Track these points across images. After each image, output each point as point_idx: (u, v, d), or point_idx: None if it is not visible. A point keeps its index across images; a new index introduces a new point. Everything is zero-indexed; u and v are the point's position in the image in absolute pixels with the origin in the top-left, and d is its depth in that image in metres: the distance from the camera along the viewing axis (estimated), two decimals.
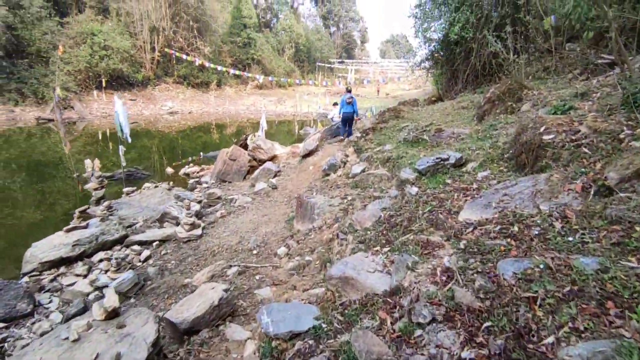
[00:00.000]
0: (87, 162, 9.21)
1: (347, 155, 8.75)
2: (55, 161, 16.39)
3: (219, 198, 8.57)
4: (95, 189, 8.80)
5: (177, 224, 7.26)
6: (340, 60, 51.78)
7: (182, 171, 13.01)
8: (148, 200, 8.80)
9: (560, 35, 10.26)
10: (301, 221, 6.41)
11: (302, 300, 3.81)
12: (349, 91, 13.62)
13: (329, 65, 48.61)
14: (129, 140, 10.36)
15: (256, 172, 9.98)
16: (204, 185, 10.80)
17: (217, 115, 33.78)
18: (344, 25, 56.64)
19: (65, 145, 12.05)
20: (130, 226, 8.02)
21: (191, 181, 11.49)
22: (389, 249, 3.74)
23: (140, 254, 6.40)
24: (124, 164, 10.48)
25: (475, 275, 2.74)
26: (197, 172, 12.78)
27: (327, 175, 8.54)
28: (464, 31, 12.32)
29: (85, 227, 6.81)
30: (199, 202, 8.64)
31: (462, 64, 13.83)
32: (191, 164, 13.63)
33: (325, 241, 5.32)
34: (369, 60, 55.50)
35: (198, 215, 7.77)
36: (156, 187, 9.75)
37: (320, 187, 7.94)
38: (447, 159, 5.34)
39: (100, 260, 6.23)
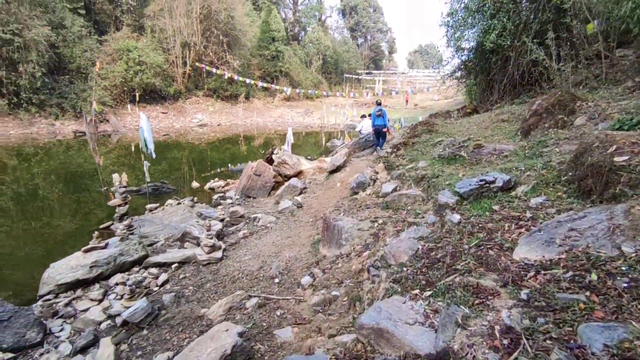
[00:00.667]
0: (115, 176, 9.11)
1: (376, 172, 8.17)
2: (90, 172, 16.62)
3: (242, 217, 8.17)
4: (119, 205, 8.61)
5: (198, 244, 6.89)
6: (367, 71, 51.35)
7: (207, 185, 12.79)
8: (170, 218, 8.51)
9: (610, 41, 9.39)
10: (327, 246, 5.88)
11: (327, 349, 3.26)
12: (379, 104, 13.23)
13: (357, 77, 48.24)
14: (153, 156, 10.19)
15: (281, 188, 9.56)
16: (228, 201, 10.47)
17: (245, 127, 33.95)
18: (371, 37, 56.32)
19: (97, 158, 12.05)
20: (151, 245, 7.73)
21: (215, 196, 11.20)
22: (430, 292, 3.15)
23: (157, 278, 6.03)
24: (148, 179, 10.32)
25: (549, 342, 2.13)
26: (222, 187, 12.52)
27: (356, 193, 7.98)
28: (501, 39, 11.56)
29: (104, 247, 6.53)
30: (222, 220, 8.27)
31: (498, 73, 13.02)
32: (216, 179, 13.40)
33: (354, 272, 4.76)
34: (396, 71, 54.79)
35: (219, 235, 7.37)
36: (179, 203, 9.48)
37: (348, 207, 7.39)
38: (493, 182, 4.69)
39: (117, 284, 5.90)
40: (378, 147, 13.34)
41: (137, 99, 30.71)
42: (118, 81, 30.16)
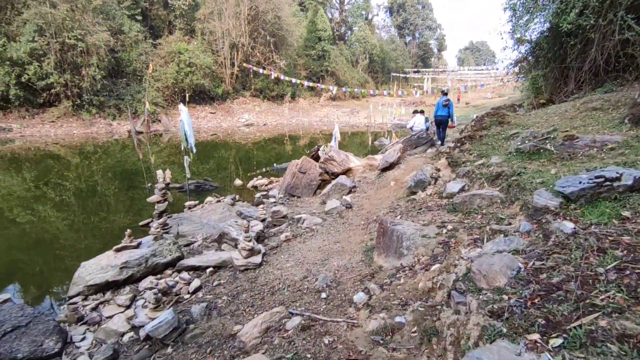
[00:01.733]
0: (159, 172, 8.63)
1: (438, 170, 7.01)
2: (143, 170, 16.71)
3: (284, 217, 7.33)
4: (158, 202, 8.07)
5: (236, 246, 6.11)
6: (415, 69, 49.33)
7: (250, 184, 12.16)
8: (209, 216, 7.85)
9: None
10: (384, 254, 4.85)
11: None
12: (445, 94, 12.06)
13: (404, 75, 46.45)
14: (194, 150, 9.65)
15: (328, 187, 8.62)
16: (271, 200, 9.70)
17: (291, 127, 33.50)
18: (420, 34, 54.06)
19: (140, 153, 11.80)
20: (187, 245, 7.09)
21: (258, 195, 10.49)
22: (561, 341, 2.07)
23: (189, 284, 5.30)
24: (188, 175, 9.79)
25: None
26: (266, 185, 11.81)
27: (414, 193, 6.87)
28: (582, 18, 9.88)
29: (137, 246, 5.93)
30: (263, 220, 7.48)
31: (576, 59, 11.28)
32: (259, 177, 12.73)
33: (422, 292, 3.71)
34: (446, 69, 52.25)
35: (260, 237, 6.56)
36: (218, 201, 8.83)
37: (405, 209, 6.31)
38: (617, 179, 3.45)
39: (147, 289, 5.24)
40: (439, 142, 12.06)
41: (187, 99, 31.19)
42: (170, 82, 30.79)
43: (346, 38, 50.70)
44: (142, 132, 27.17)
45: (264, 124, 33.38)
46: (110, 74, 29.55)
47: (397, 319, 3.35)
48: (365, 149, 23.93)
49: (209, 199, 9.34)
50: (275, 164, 15.80)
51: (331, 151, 9.54)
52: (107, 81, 28.70)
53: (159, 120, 29.80)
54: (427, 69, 48.63)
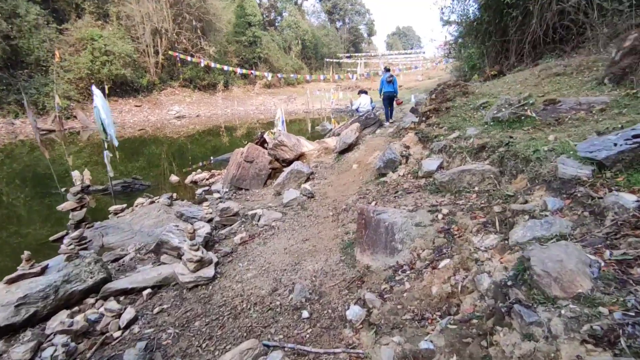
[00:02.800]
0: (75, 174, 6.92)
1: (407, 147, 6.21)
2: (60, 174, 14.12)
3: (236, 214, 6.09)
4: (73, 210, 6.40)
5: (180, 256, 4.81)
6: (348, 54, 49.08)
7: (188, 179, 10.59)
8: (141, 222, 6.36)
9: None
10: (369, 251, 3.92)
11: None
12: (388, 70, 12.15)
13: (337, 60, 46.01)
14: (115, 143, 7.98)
15: (281, 176, 7.49)
16: (216, 195, 8.35)
17: (226, 117, 31.42)
18: (349, 19, 53.80)
19: (45, 151, 9.73)
20: (116, 260, 5.61)
21: (199, 191, 9.05)
22: None
23: (120, 315, 3.95)
24: (111, 174, 8.08)
25: None
26: (207, 179, 10.35)
27: (383, 175, 6.01)
28: None
29: (40, 273, 4.37)
30: (210, 220, 6.19)
31: (516, 32, 11.17)
32: (199, 170, 11.17)
33: (440, 299, 2.83)
34: (377, 53, 52.74)
35: (209, 242, 5.31)
36: (152, 202, 7.30)
37: (378, 194, 5.43)
38: None
39: (55, 333, 3.80)
40: (386, 121, 11.90)
41: (107, 91, 27.76)
42: (84, 73, 27.08)
43: (277, 24, 48.87)
44: (53, 131, 23.65)
45: (197, 116, 30.92)
46: (7, 65, 25.22)
47: (423, 344, 2.41)
48: (305, 136, 22.95)
49: (139, 200, 7.72)
50: (212, 157, 14.19)
51: (280, 135, 8.38)
52: (4, 73, 24.46)
53: (75, 117, 26.20)
54: (359, 54, 48.64)
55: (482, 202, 3.91)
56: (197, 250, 4.44)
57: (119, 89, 29.93)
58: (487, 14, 11.80)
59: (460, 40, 24.03)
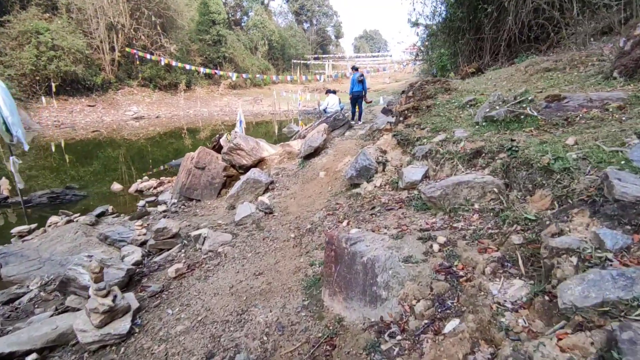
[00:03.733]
0: None
1: (384, 152, 5.19)
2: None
3: (175, 236, 4.83)
4: None
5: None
6: (315, 56, 48.11)
7: (132, 188, 9.11)
8: (52, 247, 4.97)
9: None
10: (342, 295, 2.84)
11: None
12: (357, 69, 11.60)
13: (305, 62, 44.96)
14: (25, 147, 6.49)
15: (236, 185, 6.26)
16: (160, 208, 7.00)
17: (189, 118, 29.54)
18: (317, 21, 52.78)
19: None
20: (10, 302, 4.22)
21: (141, 202, 7.65)
22: None
23: None
24: (20, 185, 6.55)
25: None
26: (154, 188, 8.94)
27: (356, 186, 4.96)
28: None
29: None
30: (143, 244, 4.90)
31: (490, 29, 10.52)
32: (145, 177, 9.69)
33: None
34: (345, 55, 52.11)
35: (133, 278, 4.04)
36: (70, 221, 5.85)
37: (351, 210, 4.36)
38: None
39: None
40: (355, 122, 11.56)
41: (54, 89, 25.34)
42: (27, 69, 24.49)
43: (243, 24, 47.15)
44: None
45: (157, 117, 28.87)
46: None
47: None
48: (272, 138, 21.78)
49: (53, 219, 6.19)
50: (173, 160, 12.72)
51: (236, 138, 7.13)
52: None
53: None
54: (327, 56, 47.79)
55: (490, 226, 2.92)
56: (106, 295, 3.19)
57: (69, 87, 27.44)
58: (460, 11, 11.10)
59: (427, 42, 23.59)
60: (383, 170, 4.92)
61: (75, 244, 4.83)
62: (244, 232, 4.70)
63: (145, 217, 6.75)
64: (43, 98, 25.29)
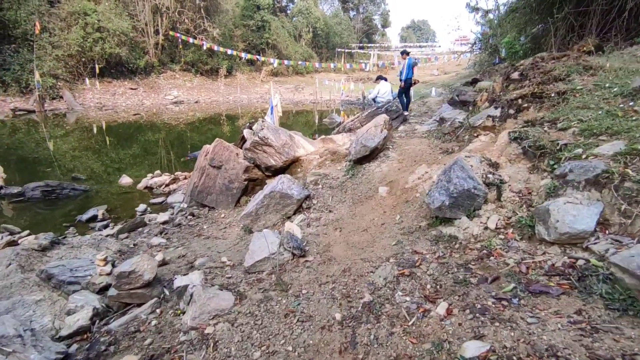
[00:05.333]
0: None
1: (494, 166, 3.01)
2: (48, 159, 11.07)
3: (148, 285, 2.96)
4: None
5: None
6: (360, 45, 45.35)
7: (142, 183, 7.45)
8: None
9: None
10: None
11: None
12: (408, 54, 10.37)
13: (349, 51, 42.41)
14: None
15: (256, 199, 4.29)
16: (160, 218, 5.23)
17: (228, 105, 28.19)
18: (364, 9, 49.67)
19: None
20: None
21: (141, 208, 5.92)
22: None
23: None
24: None
25: None
26: (166, 185, 7.25)
27: (448, 221, 2.82)
28: None
29: None
30: (104, 289, 3.10)
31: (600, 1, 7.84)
32: (157, 171, 8.00)
33: None
34: (390, 46, 48.92)
35: None
36: (12, 243, 4.06)
37: (445, 273, 2.25)
38: None
39: None
40: (405, 111, 9.98)
41: (97, 71, 24.73)
42: (74, 50, 23.97)
43: (288, 10, 45.20)
44: (33, 111, 20.69)
45: (196, 102, 27.72)
46: None
47: None
48: (312, 129, 19.83)
49: None
50: (189, 152, 11.04)
51: (263, 129, 5.16)
52: None
53: (61, 97, 23.20)
54: (372, 45, 44.87)
55: None
56: None
57: (114, 69, 26.87)
58: None
59: (490, 27, 20.57)
60: (497, 198, 2.77)
61: (5, 283, 3.11)
62: (255, 291, 2.73)
63: (141, 228, 5.02)
64: (87, 79, 24.76)
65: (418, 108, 13.88)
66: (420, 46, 47.77)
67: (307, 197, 4.09)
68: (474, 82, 9.35)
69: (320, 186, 4.37)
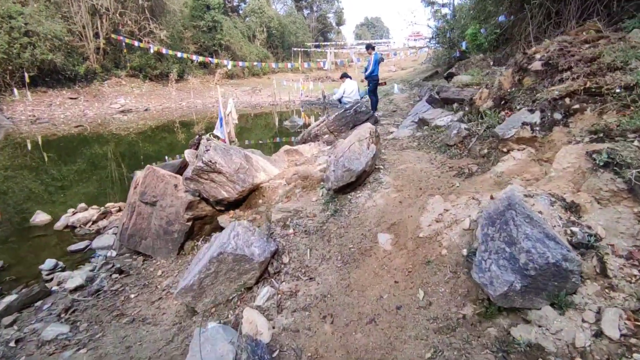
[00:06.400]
0: None
1: (572, 208, 1.82)
2: None
3: None
4: None
5: None
6: (317, 44, 44.12)
7: (60, 222, 5.71)
8: None
9: None
10: None
11: None
12: (373, 48, 9.39)
13: (305, 50, 41.12)
14: None
15: (199, 266, 2.84)
16: (71, 283, 3.70)
17: (182, 111, 25.94)
18: (318, 7, 48.38)
19: None
20: None
21: (47, 264, 4.29)
22: None
23: None
24: None
25: None
26: (94, 223, 5.58)
27: (514, 312, 1.63)
28: None
29: None
30: None
31: None
32: (82, 206, 6.21)
33: None
34: (346, 43, 48.09)
35: None
36: None
37: None
38: None
39: None
40: (374, 112, 8.96)
41: (28, 80, 21.74)
42: None
43: (240, 10, 43.05)
44: None
45: (146, 110, 25.23)
46: None
47: None
48: (272, 131, 18.35)
49: None
50: (136, 171, 9.23)
51: (210, 151, 3.72)
52: None
53: None
54: (329, 43, 43.81)
55: None
56: None
57: (49, 77, 23.80)
58: None
59: (446, 23, 20.04)
60: (601, 272, 1.61)
61: None
62: None
63: (41, 301, 3.47)
64: (15, 90, 21.69)
65: (385, 106, 12.86)
66: (375, 43, 47.35)
67: (275, 254, 2.77)
68: (450, 76, 8.38)
69: (291, 230, 3.06)
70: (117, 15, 26.86)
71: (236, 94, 29.61)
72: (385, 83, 11.70)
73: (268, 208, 3.71)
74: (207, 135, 6.24)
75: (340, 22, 51.48)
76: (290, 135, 15.11)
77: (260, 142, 15.37)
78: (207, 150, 3.80)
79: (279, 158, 5.93)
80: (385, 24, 63.88)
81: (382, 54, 9.24)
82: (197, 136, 7.41)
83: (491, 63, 8.24)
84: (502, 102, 3.70)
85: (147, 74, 28.82)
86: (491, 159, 2.84)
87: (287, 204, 3.48)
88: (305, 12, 47.96)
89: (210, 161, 3.73)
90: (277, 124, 20.22)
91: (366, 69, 9.86)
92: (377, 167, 3.50)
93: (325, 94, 24.03)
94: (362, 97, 11.02)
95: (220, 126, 6.20)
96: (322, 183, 3.64)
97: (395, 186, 3.09)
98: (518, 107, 3.15)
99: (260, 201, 3.87)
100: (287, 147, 6.20)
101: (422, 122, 6.26)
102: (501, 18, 11.74)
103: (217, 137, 10.06)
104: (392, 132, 7.30)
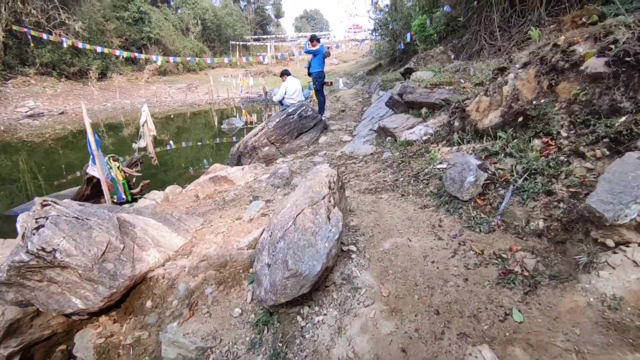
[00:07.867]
0: None
1: None
2: None
3: None
4: None
5: None
6: (256, 37, 41.47)
7: None
8: None
9: None
10: None
11: None
12: (318, 40, 8.09)
13: (244, 43, 38.41)
14: None
15: None
16: None
17: (106, 113, 22.48)
18: None
19: None
20: None
21: None
22: None
23: None
24: None
25: None
26: None
27: None
28: None
29: None
30: None
31: None
32: None
33: None
34: (287, 36, 45.92)
35: None
36: None
37: None
38: None
39: None
40: (322, 114, 7.83)
41: None
42: None
43: (171, 2, 39.06)
44: None
45: (62, 112, 21.49)
46: None
47: None
48: (211, 132, 16.18)
49: None
50: (16, 208, 6.78)
51: (47, 224, 1.94)
52: None
53: None
54: (268, 36, 41.36)
55: None
56: None
57: None
58: None
59: (388, 14, 19.01)
60: None
61: None
62: None
63: None
64: None
65: (332, 105, 11.42)
66: (319, 35, 45.74)
67: None
68: (408, 72, 7.09)
69: None
70: (19, 2, 22.46)
71: (169, 92, 26.48)
72: (332, 83, 10.29)
73: (160, 317, 2.05)
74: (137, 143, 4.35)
75: (279, 15, 49.03)
76: (228, 139, 13.19)
77: (199, 143, 13.31)
78: (38, 228, 2.02)
79: (202, 189, 4.23)
80: (324, 16, 62.55)
81: (328, 48, 7.84)
82: (136, 156, 5.48)
83: (452, 56, 7.08)
84: (522, 120, 2.37)
85: (62, 72, 24.70)
86: (574, 255, 1.45)
87: (189, 325, 1.84)
88: (242, 3, 44.92)
89: (44, 249, 1.96)
90: (216, 123, 18.02)
91: (309, 65, 8.39)
92: (344, 245, 1.99)
93: (266, 89, 22.12)
94: (306, 98, 9.50)
95: (93, 163, 4.17)
96: (250, 271, 2.05)
97: (385, 299, 1.59)
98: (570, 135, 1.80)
99: (147, 304, 2.19)
100: (211, 174, 4.50)
101: (384, 132, 4.86)
102: (446, 8, 10.79)
103: (144, 150, 7.90)
104: (346, 143, 5.87)
